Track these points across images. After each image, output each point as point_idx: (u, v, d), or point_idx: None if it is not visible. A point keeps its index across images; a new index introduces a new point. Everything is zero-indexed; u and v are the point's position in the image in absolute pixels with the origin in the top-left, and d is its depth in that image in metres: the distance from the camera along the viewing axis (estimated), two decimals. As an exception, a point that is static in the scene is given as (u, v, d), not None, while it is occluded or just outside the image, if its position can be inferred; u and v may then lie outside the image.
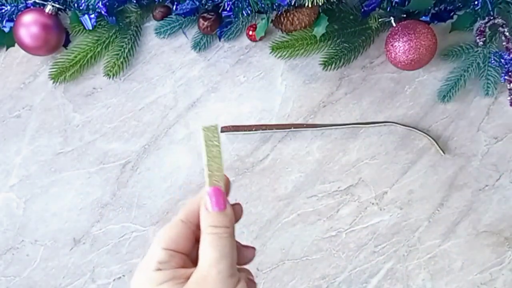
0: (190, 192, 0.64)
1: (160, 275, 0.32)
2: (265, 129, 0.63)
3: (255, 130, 0.63)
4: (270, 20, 0.61)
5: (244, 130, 0.63)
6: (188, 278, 0.32)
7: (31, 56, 0.63)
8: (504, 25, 0.60)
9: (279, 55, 0.63)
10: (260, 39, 0.62)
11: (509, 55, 0.60)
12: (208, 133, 0.35)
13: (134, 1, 0.61)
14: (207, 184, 0.35)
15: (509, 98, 0.62)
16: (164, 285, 0.32)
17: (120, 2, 0.61)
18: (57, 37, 0.59)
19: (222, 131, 0.63)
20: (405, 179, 0.65)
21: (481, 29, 0.60)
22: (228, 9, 0.60)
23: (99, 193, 0.64)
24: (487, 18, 0.60)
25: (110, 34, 0.63)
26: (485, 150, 0.65)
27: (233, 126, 0.63)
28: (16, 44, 0.60)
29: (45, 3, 0.59)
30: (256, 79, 0.64)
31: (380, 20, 0.62)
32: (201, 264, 0.32)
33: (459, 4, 0.61)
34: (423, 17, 0.61)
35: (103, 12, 0.60)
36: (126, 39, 0.63)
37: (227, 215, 0.34)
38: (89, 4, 0.60)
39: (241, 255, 0.36)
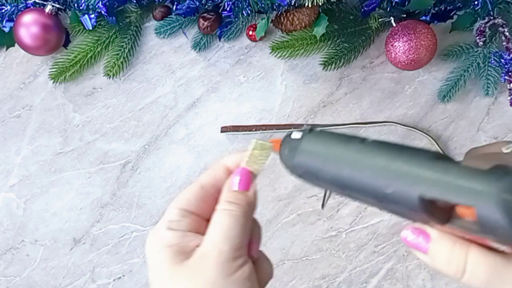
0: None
1: (170, 235, 0.32)
2: (265, 129, 0.63)
3: (255, 130, 0.63)
4: (270, 20, 0.61)
5: (244, 130, 0.63)
6: (197, 246, 0.31)
7: (31, 56, 0.62)
8: (504, 25, 0.60)
9: (279, 55, 0.63)
10: (260, 39, 0.62)
11: (509, 55, 0.60)
12: (258, 149, 0.35)
13: (134, 1, 0.61)
14: (241, 164, 0.35)
15: (509, 98, 0.62)
16: (171, 248, 0.31)
17: (120, 2, 0.61)
18: (57, 37, 0.59)
19: (222, 131, 0.63)
20: (405, 179, 0.64)
21: (481, 29, 0.60)
22: (228, 9, 0.60)
23: (99, 193, 0.64)
24: (487, 18, 0.60)
25: (110, 34, 0.63)
26: (485, 150, 0.65)
27: (233, 126, 0.63)
28: (16, 44, 0.60)
29: (45, 3, 0.59)
30: (256, 79, 0.64)
31: (380, 20, 0.62)
32: (205, 241, 0.31)
33: (459, 4, 0.61)
34: (423, 17, 0.61)
35: (103, 12, 0.60)
36: (126, 39, 0.63)
37: (248, 196, 0.33)
38: (89, 4, 0.60)
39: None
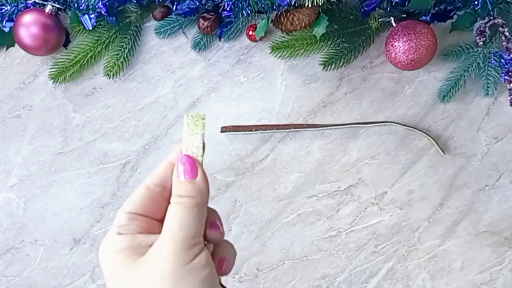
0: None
1: (119, 239, 0.32)
2: (265, 129, 0.63)
3: (255, 130, 0.63)
4: (270, 20, 0.61)
5: (244, 130, 0.63)
6: (150, 245, 0.31)
7: (31, 56, 0.63)
8: (504, 25, 0.60)
9: (279, 55, 0.63)
10: (260, 39, 0.62)
11: (509, 55, 0.60)
12: (190, 122, 0.34)
13: (134, 1, 0.61)
14: (182, 151, 0.34)
15: (509, 98, 0.62)
16: (122, 252, 0.31)
17: (120, 2, 0.61)
18: (57, 37, 0.59)
19: (222, 131, 0.63)
20: (405, 179, 0.65)
21: (481, 29, 0.60)
22: (228, 9, 0.60)
23: (99, 193, 0.64)
24: (487, 18, 0.60)
25: (110, 34, 0.63)
26: (485, 150, 0.65)
27: (233, 126, 0.63)
28: (16, 44, 0.60)
29: (45, 3, 0.59)
30: (256, 79, 0.64)
31: (380, 20, 0.62)
32: (160, 235, 0.31)
33: (459, 4, 0.61)
34: (423, 17, 0.61)
35: (103, 12, 0.60)
36: (126, 39, 0.63)
37: (197, 184, 0.33)
38: (89, 4, 0.60)
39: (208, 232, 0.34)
